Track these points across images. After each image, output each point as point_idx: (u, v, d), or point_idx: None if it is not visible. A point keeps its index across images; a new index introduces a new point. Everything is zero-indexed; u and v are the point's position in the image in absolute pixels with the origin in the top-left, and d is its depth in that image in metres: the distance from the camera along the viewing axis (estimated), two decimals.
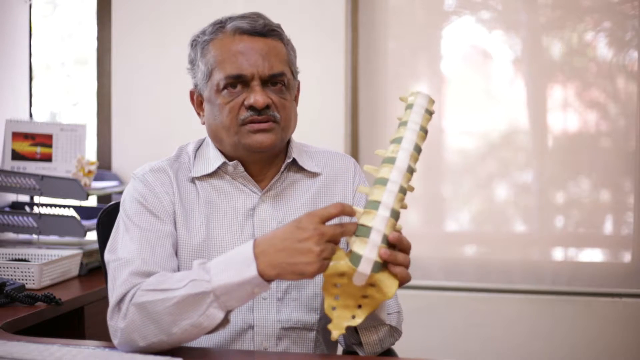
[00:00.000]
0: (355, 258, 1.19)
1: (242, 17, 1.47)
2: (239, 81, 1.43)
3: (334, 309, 1.24)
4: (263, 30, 1.46)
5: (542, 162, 2.82)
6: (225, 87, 1.44)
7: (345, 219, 1.40)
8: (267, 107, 1.43)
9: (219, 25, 1.48)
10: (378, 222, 1.20)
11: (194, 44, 1.50)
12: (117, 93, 2.96)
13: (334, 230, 1.19)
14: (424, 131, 1.28)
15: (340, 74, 2.80)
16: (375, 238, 1.19)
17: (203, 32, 1.49)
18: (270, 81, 1.44)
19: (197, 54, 1.48)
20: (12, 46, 2.95)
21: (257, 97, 1.41)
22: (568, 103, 2.82)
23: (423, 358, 1.38)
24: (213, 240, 1.46)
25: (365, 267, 1.18)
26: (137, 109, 2.96)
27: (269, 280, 1.22)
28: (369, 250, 1.18)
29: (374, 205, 1.21)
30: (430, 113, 1.30)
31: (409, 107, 1.30)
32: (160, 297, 1.25)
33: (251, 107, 1.42)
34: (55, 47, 3.27)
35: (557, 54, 2.84)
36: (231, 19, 1.48)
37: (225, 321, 1.26)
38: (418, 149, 1.26)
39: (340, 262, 1.19)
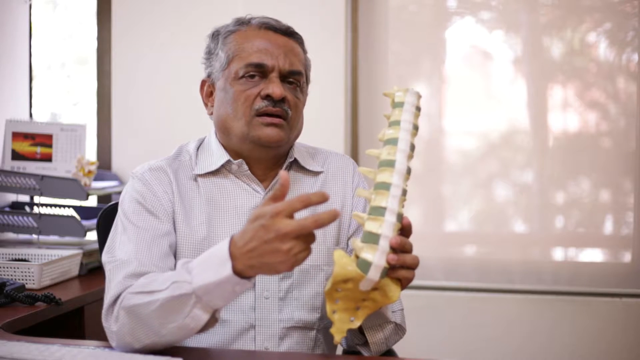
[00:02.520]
0: (364, 264, 1.18)
1: (267, 17, 1.52)
2: (258, 71, 1.45)
3: (334, 312, 1.24)
4: (287, 30, 1.51)
5: (542, 162, 2.82)
6: (243, 76, 1.45)
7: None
8: (283, 100, 1.45)
9: (244, 21, 1.51)
10: (386, 229, 1.19)
11: (214, 34, 1.53)
12: (117, 93, 2.96)
13: (299, 228, 1.13)
14: (416, 128, 1.29)
15: (340, 74, 2.80)
16: (385, 245, 1.19)
17: (225, 26, 1.52)
18: (288, 78, 1.47)
19: (218, 43, 1.51)
20: (12, 46, 2.94)
21: (276, 88, 1.44)
22: (568, 103, 2.82)
23: (423, 358, 1.38)
24: (214, 239, 1.46)
25: (374, 274, 1.18)
26: (137, 109, 2.95)
27: (248, 277, 1.19)
28: (378, 257, 1.18)
29: (379, 211, 1.21)
30: (419, 109, 1.30)
31: (399, 105, 1.30)
32: (146, 300, 1.25)
33: (267, 97, 1.44)
34: (55, 48, 3.27)
35: (558, 54, 2.84)
36: (255, 17, 1.52)
37: (213, 320, 1.25)
38: (413, 148, 1.27)
39: (348, 268, 1.19)
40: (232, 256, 1.18)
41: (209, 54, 1.53)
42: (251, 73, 1.45)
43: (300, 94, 1.50)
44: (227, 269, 1.17)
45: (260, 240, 1.15)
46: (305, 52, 1.54)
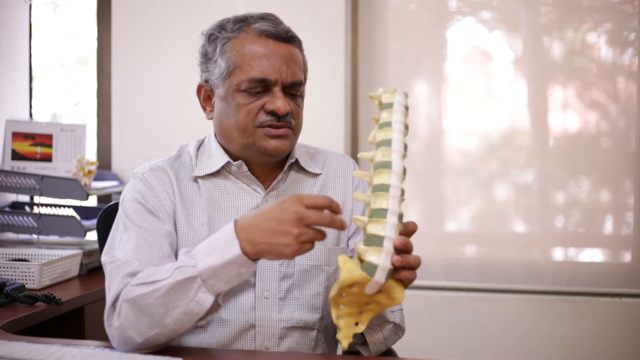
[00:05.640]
0: (369, 267, 1.18)
1: (264, 18, 1.47)
2: (261, 84, 1.43)
3: (339, 318, 1.24)
4: (286, 36, 1.47)
5: (542, 162, 2.82)
6: (245, 89, 1.44)
7: None
8: (286, 114, 1.44)
9: (242, 24, 1.47)
10: (389, 230, 1.19)
11: (211, 37, 1.49)
12: (117, 93, 2.96)
13: (317, 216, 1.19)
14: (407, 128, 1.29)
15: (340, 74, 2.80)
16: (389, 247, 1.19)
17: (223, 28, 1.48)
18: (290, 88, 1.45)
19: (216, 49, 1.47)
20: (12, 46, 2.94)
21: (280, 104, 1.42)
22: (568, 103, 2.82)
23: (423, 358, 1.37)
24: None
25: (380, 277, 1.18)
26: (137, 109, 2.95)
27: (253, 259, 1.22)
28: (383, 259, 1.18)
29: (381, 213, 1.20)
30: (407, 109, 1.31)
31: (388, 106, 1.30)
32: (150, 289, 1.26)
33: (272, 113, 1.43)
34: (55, 48, 3.27)
35: (558, 54, 2.84)
36: (252, 17, 1.47)
37: (216, 305, 1.26)
38: (406, 148, 1.27)
39: (354, 273, 1.18)
40: (238, 235, 1.21)
41: (206, 57, 1.49)
42: (254, 86, 1.43)
43: (301, 101, 1.50)
44: (235, 249, 1.21)
45: (275, 220, 1.20)
46: (303, 54, 1.52)
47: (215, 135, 1.54)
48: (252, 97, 1.44)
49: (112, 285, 1.34)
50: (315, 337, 1.50)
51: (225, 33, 1.47)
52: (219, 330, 1.45)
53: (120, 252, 1.38)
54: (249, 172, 1.49)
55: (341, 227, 1.20)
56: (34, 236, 2.53)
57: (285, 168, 1.52)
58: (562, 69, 2.82)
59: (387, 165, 1.24)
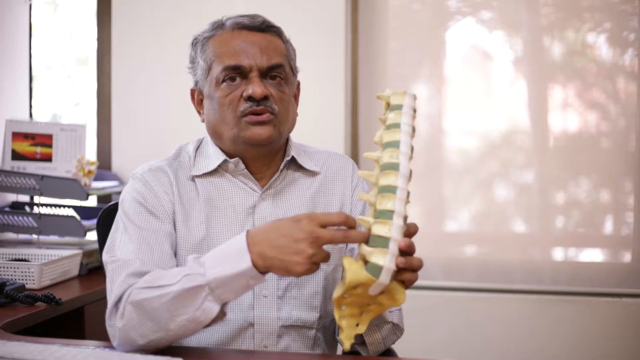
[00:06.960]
0: (374, 269, 1.18)
1: (242, 15, 1.50)
2: (237, 73, 1.44)
3: (342, 319, 1.24)
4: (262, 26, 1.49)
5: (542, 162, 2.82)
6: (224, 80, 1.45)
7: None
8: (266, 98, 1.44)
9: (219, 24, 1.51)
10: (395, 232, 1.19)
11: (194, 42, 1.53)
12: (117, 93, 2.96)
13: (330, 235, 1.19)
14: (414, 131, 1.29)
15: (340, 74, 2.80)
16: (394, 248, 1.19)
17: (203, 32, 1.52)
18: (269, 74, 1.46)
19: (197, 51, 1.51)
20: (12, 46, 2.95)
21: (256, 87, 1.43)
22: (568, 103, 2.82)
23: (423, 358, 1.38)
24: (213, 239, 1.46)
25: (385, 278, 1.18)
26: (137, 109, 2.96)
27: (262, 272, 1.22)
28: (389, 260, 1.18)
29: (387, 214, 1.20)
30: (415, 111, 1.31)
31: (396, 107, 1.29)
32: (156, 294, 1.26)
33: (250, 98, 1.43)
34: (55, 48, 3.27)
35: (558, 54, 2.84)
36: (230, 18, 1.51)
37: (221, 314, 1.26)
38: (412, 150, 1.27)
39: (360, 274, 1.19)
40: (249, 248, 1.21)
41: (192, 62, 1.53)
42: (231, 76, 1.45)
43: (285, 87, 1.48)
44: (246, 262, 1.21)
45: (289, 238, 1.19)
46: (285, 42, 1.52)
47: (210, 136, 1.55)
48: (231, 87, 1.45)
49: (114, 285, 1.34)
50: (314, 336, 1.50)
51: (204, 35, 1.51)
52: (217, 329, 1.45)
53: (121, 251, 1.38)
54: (246, 170, 1.50)
55: (361, 239, 1.20)
56: (34, 236, 2.53)
57: (282, 166, 1.52)
58: (562, 69, 2.82)
59: (394, 166, 1.24)
